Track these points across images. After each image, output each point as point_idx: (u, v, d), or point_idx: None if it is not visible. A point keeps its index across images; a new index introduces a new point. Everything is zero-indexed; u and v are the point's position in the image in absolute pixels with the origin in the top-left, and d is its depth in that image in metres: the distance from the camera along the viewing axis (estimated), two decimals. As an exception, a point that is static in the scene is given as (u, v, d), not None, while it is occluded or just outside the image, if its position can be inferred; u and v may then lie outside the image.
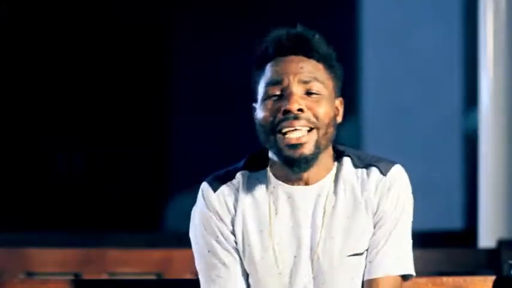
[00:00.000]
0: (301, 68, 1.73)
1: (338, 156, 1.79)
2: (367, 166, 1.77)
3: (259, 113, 1.74)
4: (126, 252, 3.18)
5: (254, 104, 1.77)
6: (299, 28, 1.79)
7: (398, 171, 1.78)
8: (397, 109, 5.35)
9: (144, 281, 2.41)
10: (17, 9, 6.21)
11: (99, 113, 6.66)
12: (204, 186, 1.80)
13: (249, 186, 1.79)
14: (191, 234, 1.83)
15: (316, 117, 1.71)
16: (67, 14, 6.36)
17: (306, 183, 1.75)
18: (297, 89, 1.71)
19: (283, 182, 1.76)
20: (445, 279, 1.98)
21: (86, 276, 3.09)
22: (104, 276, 3.08)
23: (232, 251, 1.76)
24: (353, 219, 1.74)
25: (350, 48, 5.66)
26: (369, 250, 1.74)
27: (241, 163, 1.82)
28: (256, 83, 1.77)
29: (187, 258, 3.18)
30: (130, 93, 6.77)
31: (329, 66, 1.76)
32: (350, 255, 1.73)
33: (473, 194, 4.74)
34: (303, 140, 1.70)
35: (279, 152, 1.72)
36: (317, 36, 1.79)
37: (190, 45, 6.48)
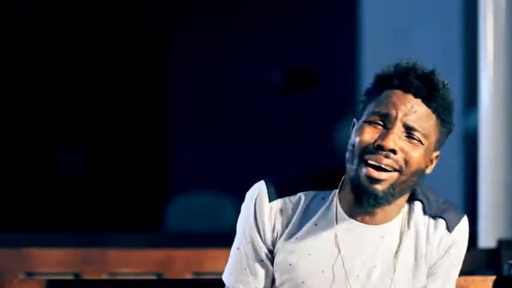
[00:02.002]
0: (415, 112, 1.67)
1: (410, 199, 1.73)
2: (435, 217, 1.73)
3: (355, 133, 1.68)
4: (126, 252, 3.18)
5: (355, 120, 1.72)
6: (432, 72, 1.74)
7: (462, 228, 1.76)
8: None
9: (144, 281, 2.41)
10: (24, 15, 6.20)
11: (100, 114, 6.66)
12: (262, 189, 1.73)
13: (314, 210, 1.72)
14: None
15: (406, 163, 1.66)
16: (71, 20, 6.36)
17: (373, 223, 1.71)
18: (399, 129, 1.66)
19: (349, 214, 1.71)
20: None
21: (86, 276, 3.09)
22: (104, 276, 3.08)
23: (262, 263, 1.74)
24: (413, 273, 1.72)
25: (350, 48, 5.66)
26: None
27: (310, 178, 1.75)
28: (367, 101, 1.71)
29: (187, 258, 3.18)
30: (132, 95, 6.77)
31: (442, 121, 1.70)
32: None
33: (473, 194, 4.73)
34: (381, 177, 1.65)
35: (355, 179, 1.66)
36: (446, 86, 1.73)
37: (191, 52, 6.48)
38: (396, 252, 1.69)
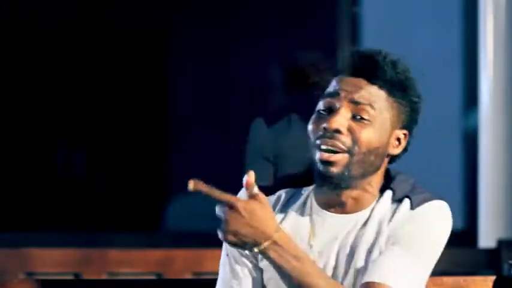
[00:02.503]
0: (358, 90, 1.68)
1: (384, 189, 1.72)
2: (402, 199, 1.71)
3: (309, 124, 1.73)
4: (126, 252, 3.18)
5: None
6: (376, 51, 1.75)
7: (430, 208, 1.71)
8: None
9: (144, 281, 2.41)
10: (24, 15, 6.21)
11: (100, 114, 6.66)
12: (242, 192, 1.73)
13: (291, 206, 1.76)
14: None
15: (354, 142, 1.66)
16: (71, 20, 6.36)
17: (344, 212, 1.72)
18: (345, 110, 1.67)
19: (323, 206, 1.73)
20: (445, 279, 1.97)
21: (86, 276, 3.09)
22: (104, 276, 3.08)
23: (250, 265, 1.75)
24: (373, 252, 1.68)
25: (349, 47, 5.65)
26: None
27: (292, 176, 1.82)
28: (320, 95, 1.75)
29: (187, 258, 3.18)
30: (132, 95, 6.77)
31: (393, 95, 1.70)
32: None
33: (473, 194, 4.74)
34: (331, 159, 1.66)
35: (316, 166, 1.69)
36: (389, 60, 1.73)
37: (191, 52, 6.48)
38: (361, 241, 1.69)
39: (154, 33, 6.72)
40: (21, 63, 6.28)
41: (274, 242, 1.59)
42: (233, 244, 1.60)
